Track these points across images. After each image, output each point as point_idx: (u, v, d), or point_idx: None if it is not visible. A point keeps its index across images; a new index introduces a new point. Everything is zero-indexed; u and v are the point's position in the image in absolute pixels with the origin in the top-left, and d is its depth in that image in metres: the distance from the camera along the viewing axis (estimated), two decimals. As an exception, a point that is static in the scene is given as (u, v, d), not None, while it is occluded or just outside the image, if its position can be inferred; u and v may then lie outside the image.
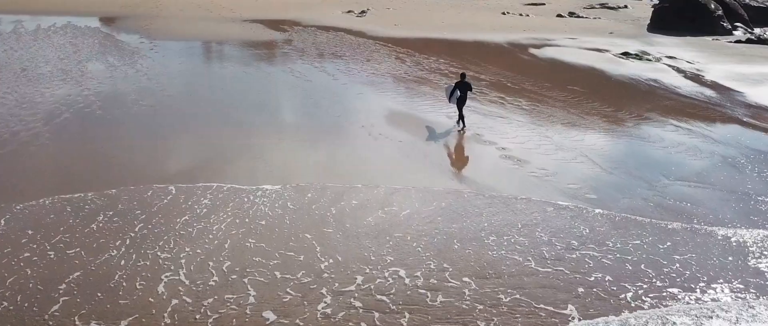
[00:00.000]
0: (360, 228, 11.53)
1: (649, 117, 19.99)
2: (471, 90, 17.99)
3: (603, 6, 50.21)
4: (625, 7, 50.13)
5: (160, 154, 15.27)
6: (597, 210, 12.66)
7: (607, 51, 31.77)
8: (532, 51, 31.47)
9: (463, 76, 18.33)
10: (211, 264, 10.08)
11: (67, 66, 24.33)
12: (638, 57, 30.18)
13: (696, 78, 26.10)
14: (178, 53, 27.64)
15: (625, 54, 30.66)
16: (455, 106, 18.03)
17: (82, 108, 18.93)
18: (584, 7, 49.67)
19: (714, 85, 24.75)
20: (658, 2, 47.69)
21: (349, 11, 43.22)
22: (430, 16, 43.18)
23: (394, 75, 24.73)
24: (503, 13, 45.57)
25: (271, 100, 20.65)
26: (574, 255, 10.77)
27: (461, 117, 17.99)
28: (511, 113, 19.68)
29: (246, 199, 12.62)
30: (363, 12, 42.60)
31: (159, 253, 10.34)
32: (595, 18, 44.64)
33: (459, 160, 15.78)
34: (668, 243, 11.38)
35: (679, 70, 27.48)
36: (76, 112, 18.58)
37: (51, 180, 13.43)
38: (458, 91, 17.83)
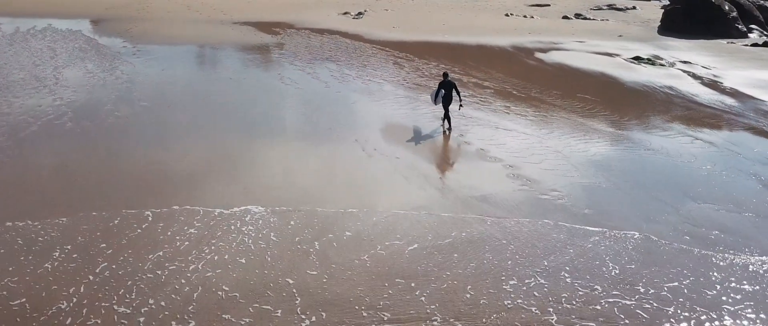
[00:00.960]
0: (351, 271, 10.25)
1: (666, 128, 18.84)
2: (456, 88, 17.75)
3: (610, 7, 49.09)
4: (634, 8, 49.01)
5: (132, 173, 14.12)
6: (621, 238, 11.51)
7: (617, 55, 30.63)
8: (538, 55, 30.34)
9: (445, 75, 18.11)
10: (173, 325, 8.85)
11: (42, 73, 23.17)
12: (651, 62, 29.05)
13: (714, 85, 24.96)
14: (161, 59, 26.46)
15: (637, 58, 29.53)
16: (442, 106, 17.84)
17: (52, 120, 17.78)
18: (591, 9, 48.53)
19: (734, 93, 23.60)
20: (668, 3, 46.62)
21: (345, 13, 42.10)
22: (430, 17, 42.05)
23: (391, 81, 23.59)
24: (506, 15, 44.45)
25: (257, 110, 19.47)
26: (602, 306, 9.57)
27: (447, 117, 17.83)
28: (517, 125, 18.52)
29: (227, 228, 11.46)
30: (360, 13, 41.50)
31: (117, 307, 9.07)
32: (602, 20, 43.53)
33: (463, 180, 14.45)
34: (706, 278, 10.23)
35: (695, 76, 26.34)
36: (45, 124, 17.42)
37: (1, 206, 12.25)
38: (443, 91, 17.60)
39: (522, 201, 13.27)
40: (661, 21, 40.76)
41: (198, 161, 14.93)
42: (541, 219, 12.29)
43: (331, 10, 43.09)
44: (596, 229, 11.97)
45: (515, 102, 21.18)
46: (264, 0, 45.97)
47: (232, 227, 11.51)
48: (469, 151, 16.17)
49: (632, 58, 29.66)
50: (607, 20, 43.46)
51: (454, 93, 17.71)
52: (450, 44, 32.79)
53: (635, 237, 11.70)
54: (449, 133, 17.72)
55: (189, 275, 9.83)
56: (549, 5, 49.74)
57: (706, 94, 23.28)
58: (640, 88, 24.21)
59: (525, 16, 44.06)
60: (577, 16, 44.57)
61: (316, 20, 38.67)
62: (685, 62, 29.17)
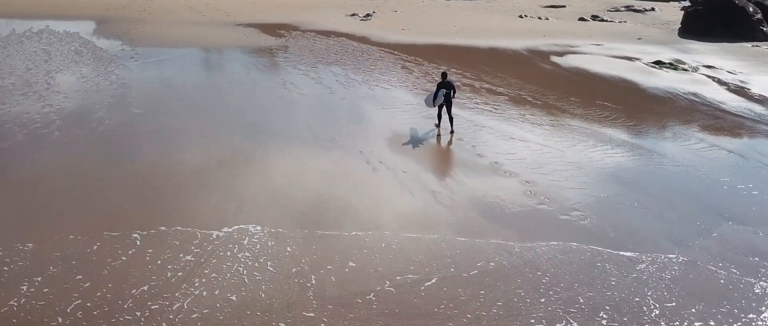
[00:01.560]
0: (354, 313, 9.07)
1: (693, 139, 17.81)
2: (454, 90, 17.44)
3: (628, 9, 48.00)
4: (652, 9, 47.89)
5: (118, 188, 13.26)
6: (658, 266, 10.54)
7: (637, 59, 29.59)
8: (554, 59, 29.33)
9: (444, 75, 17.66)
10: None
11: (34, 77, 22.41)
12: (673, 66, 27.98)
13: (741, 91, 23.88)
14: (159, 62, 25.68)
15: (658, 63, 28.47)
16: (437, 109, 17.51)
17: (39, 128, 16.97)
18: (608, 10, 47.48)
19: (763, 100, 22.52)
20: (689, 5, 45.49)
21: (352, 14, 41.24)
22: (441, 19, 41.13)
23: (399, 87, 22.67)
24: (520, 17, 43.47)
25: (257, 118, 18.58)
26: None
27: (450, 118, 17.44)
28: (533, 135, 17.54)
29: (221, 254, 10.54)
30: (368, 15, 40.62)
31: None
32: (620, 22, 42.44)
33: (477, 197, 13.41)
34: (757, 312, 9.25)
35: (720, 82, 25.26)
36: (31, 133, 16.61)
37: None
38: (443, 92, 17.16)
39: (543, 221, 12.30)
40: (681, 23, 39.67)
41: (191, 174, 14.06)
42: (568, 244, 11.31)
43: (338, 12, 42.27)
44: (629, 255, 11.00)
45: (531, 110, 20.19)
46: (269, 1, 45.27)
47: (227, 253, 10.59)
48: (482, 165, 15.21)
49: (653, 63, 28.61)
50: (625, 22, 42.38)
51: (451, 94, 17.34)
52: (461, 47, 31.84)
53: (673, 265, 10.71)
54: (452, 135, 17.30)
55: (173, 316, 8.89)
56: (564, 6, 48.76)
57: (733, 102, 22.20)
58: (662, 94, 23.16)
59: (539, 18, 43.07)
60: (594, 17, 43.52)
61: (322, 22, 37.85)
62: (708, 67, 28.09)
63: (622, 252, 11.12)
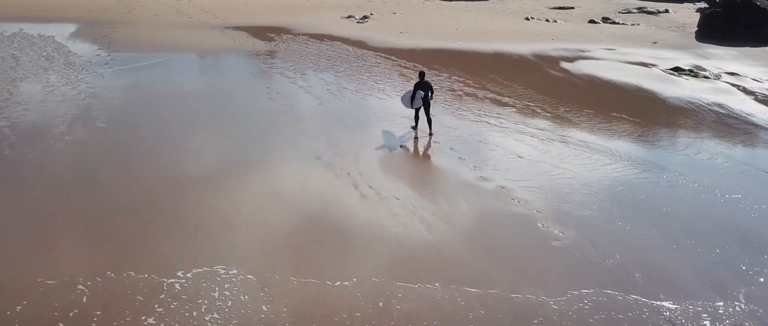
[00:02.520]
0: None
1: (721, 157, 16.21)
2: (432, 91, 17.00)
3: (641, 10, 46.39)
4: (666, 11, 46.29)
5: (66, 223, 11.70)
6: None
7: (653, 65, 28.00)
8: (564, 65, 27.75)
9: (421, 75, 17.20)
10: None
11: (-5, 86, 20.93)
12: (693, 73, 26.38)
13: (769, 101, 22.33)
14: (135, 69, 24.12)
15: (677, 69, 26.87)
16: (414, 110, 17.11)
17: (-12, 145, 15.47)
18: (619, 12, 45.89)
19: (796, 112, 20.99)
20: (706, 6, 43.93)
21: (349, 16, 39.71)
22: (442, 21, 39.59)
23: (395, 96, 21.04)
24: (526, 19, 41.90)
25: (235, 133, 17.01)
26: None
27: (428, 120, 17.08)
28: (544, 153, 15.95)
29: (178, 307, 8.99)
30: (365, 17, 39.09)
31: None
32: (633, 24, 40.84)
33: (480, 234, 11.84)
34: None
35: (746, 91, 23.65)
36: (-23, 151, 15.11)
37: None
38: (421, 93, 16.76)
39: (560, 263, 10.69)
40: (698, 26, 38.11)
41: (149, 205, 12.48)
42: (593, 292, 9.73)
43: (334, 14, 40.76)
44: (667, 306, 9.42)
45: (540, 123, 18.60)
46: (262, 2, 43.80)
47: (184, 309, 9.04)
48: (488, 190, 13.61)
49: (671, 69, 27.02)
50: (638, 25, 40.78)
51: (429, 94, 16.90)
52: (463, 52, 30.27)
53: (722, 319, 9.14)
54: (430, 138, 16.89)
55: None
56: (573, 8, 47.22)
57: (763, 114, 20.59)
58: (684, 105, 21.56)
59: (547, 21, 41.50)
60: (605, 20, 41.94)
61: (316, 25, 36.31)
62: (731, 74, 26.49)
63: (656, 302, 9.53)
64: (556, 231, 11.72)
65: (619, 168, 15.05)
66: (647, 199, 13.33)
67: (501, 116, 19.11)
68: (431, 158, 15.56)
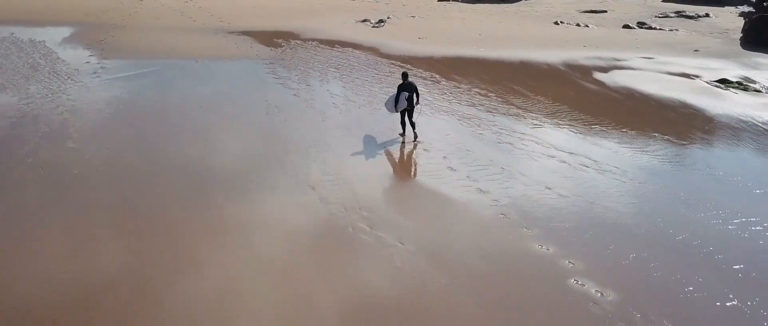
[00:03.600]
0: None
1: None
2: (417, 94, 16.58)
3: (679, 14, 44.08)
4: (707, 15, 43.94)
5: (22, 266, 10.04)
6: None
7: (696, 76, 25.88)
8: (598, 76, 25.72)
9: (405, 76, 16.84)
10: None
11: (-33, 97, 19.49)
12: (742, 86, 24.21)
13: (834, 120, 20.13)
14: (124, 79, 22.57)
15: (723, 82, 24.72)
16: (399, 115, 16.82)
17: (-62, 170, 13.91)
18: (656, 16, 43.65)
19: None
20: (753, 10, 41.54)
21: (363, 20, 37.99)
22: (463, 26, 37.71)
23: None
24: (556, 23, 39.86)
25: (223, 158, 15.26)
26: None
27: (412, 125, 16.68)
28: (579, 187, 13.99)
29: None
30: (380, 21, 37.33)
31: None
32: (671, 30, 38.61)
33: (503, 295, 10.07)
34: None
35: (806, 108, 21.51)
36: (-75, 177, 13.55)
37: None
38: (405, 94, 16.34)
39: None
40: (743, 31, 35.82)
41: (107, 254, 10.78)
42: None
43: (348, 17, 39.09)
44: None
45: (573, 146, 16.64)
46: (272, 5, 42.28)
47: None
48: (510, 233, 11.71)
49: (717, 81, 24.88)
50: (677, 30, 38.54)
51: (414, 97, 16.48)
52: (486, 60, 28.37)
53: None
54: (415, 143, 16.49)
55: None
56: (606, 12, 45.07)
57: (829, 135, 18.49)
58: (735, 124, 19.46)
59: (578, 25, 39.43)
60: (641, 25, 39.76)
61: (328, 29, 34.64)
62: (787, 87, 24.33)
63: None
64: (594, 291, 9.79)
65: (674, 208, 13.06)
66: (699, 244, 11.34)
67: (526, 137, 17.18)
68: (444, 189, 13.67)
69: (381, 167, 14.90)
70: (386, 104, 17.23)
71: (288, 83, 22.60)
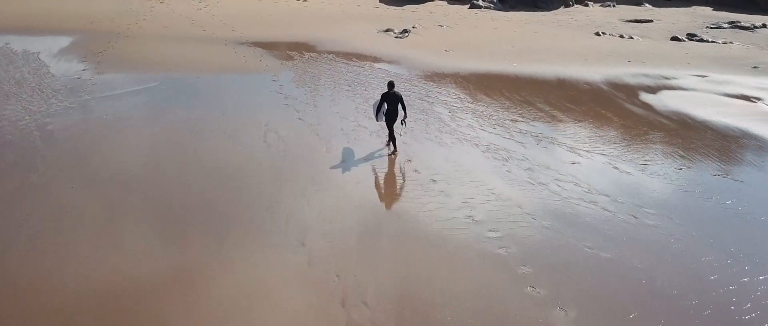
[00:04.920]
0: None
1: None
2: (402, 102, 16.25)
3: (733, 25, 41.33)
4: (764, 26, 41.09)
5: None
6: None
7: (758, 99, 23.42)
8: (645, 97, 23.41)
9: (390, 85, 16.37)
10: None
11: (-65, 119, 17.99)
12: (813, 112, 21.76)
13: None
14: (114, 98, 20.90)
15: (791, 106, 22.31)
16: (385, 124, 16.63)
17: None
18: (707, 27, 40.99)
19: None
20: (816, 21, 38.72)
21: (386, 30, 36.08)
22: (495, 36, 35.56)
23: (429, 143, 17.28)
24: (597, 34, 37.51)
25: (204, 199, 13.38)
26: None
27: (392, 137, 16.54)
28: (631, 246, 11.86)
29: None
30: (405, 31, 35.36)
31: None
32: (724, 42, 35.99)
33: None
34: None
35: None
36: None
37: None
38: (386, 105, 16.18)
39: None
40: (808, 46, 33.16)
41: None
42: None
43: (370, 26, 37.22)
44: None
45: (618, 190, 14.47)
46: (290, 13, 40.61)
47: None
48: (539, 317, 9.65)
49: (783, 105, 22.49)
50: (732, 43, 35.90)
51: (399, 107, 16.27)
52: (519, 77, 26.21)
53: None
54: (395, 156, 16.27)
55: None
56: (651, 21, 42.55)
57: None
58: (811, 161, 17.11)
59: (621, 37, 37.02)
60: (691, 37, 37.19)
61: (347, 40, 32.79)
62: None
63: None
64: None
65: (732, 275, 10.86)
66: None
67: (563, 177, 15.04)
68: (464, 255, 11.63)
69: (388, 218, 12.91)
70: (373, 107, 16.91)
71: (294, 103, 20.74)
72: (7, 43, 29.14)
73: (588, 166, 15.94)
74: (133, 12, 39.23)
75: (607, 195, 14.15)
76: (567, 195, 14.00)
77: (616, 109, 21.85)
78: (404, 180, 14.77)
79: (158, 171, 14.81)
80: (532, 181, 14.76)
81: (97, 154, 15.85)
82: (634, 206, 13.59)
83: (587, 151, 17.07)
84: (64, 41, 30.41)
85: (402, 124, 16.85)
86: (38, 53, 27.33)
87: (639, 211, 13.34)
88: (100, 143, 16.66)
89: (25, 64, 25.20)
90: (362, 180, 14.62)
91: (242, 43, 31.40)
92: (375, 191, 14.17)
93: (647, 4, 49.78)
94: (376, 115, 16.45)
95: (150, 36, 32.35)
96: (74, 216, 12.42)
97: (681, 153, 17.21)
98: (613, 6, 48.85)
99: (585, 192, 14.25)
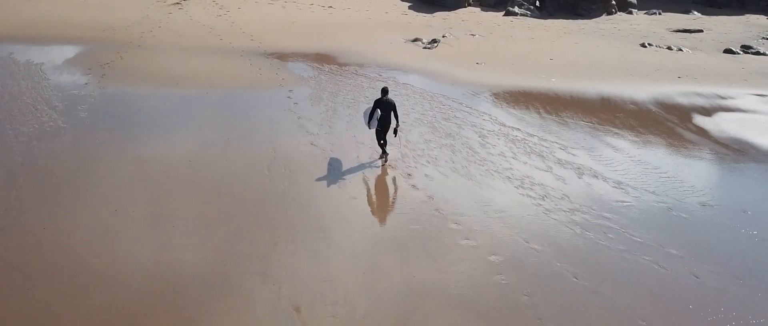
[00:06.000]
0: None
1: None
2: (395, 111, 15.95)
3: (792, 35, 38.84)
4: (826, 37, 38.59)
5: None
6: None
7: (830, 123, 21.30)
8: (700, 121, 21.41)
9: (384, 91, 16.22)
10: None
11: None
12: None
13: None
14: (111, 117, 19.53)
15: None
16: (375, 134, 16.42)
17: None
18: (763, 37, 38.55)
19: None
20: None
21: (414, 40, 34.37)
22: (532, 47, 33.64)
23: (451, 174, 15.56)
24: (642, 46, 35.36)
25: (189, 249, 11.88)
26: None
27: (384, 143, 16.33)
28: (699, 309, 10.02)
29: None
30: (434, 41, 33.61)
31: None
32: (785, 56, 33.64)
33: None
34: None
35: None
36: None
37: None
38: (378, 112, 15.94)
39: None
40: None
41: None
42: None
43: (397, 35, 35.54)
44: None
45: (670, 237, 12.62)
46: (312, 22, 39.09)
47: None
48: None
49: None
50: (793, 57, 33.53)
51: (392, 115, 15.97)
52: (559, 96, 24.32)
53: None
54: (385, 163, 16.20)
55: None
56: (701, 31, 40.21)
57: None
58: None
59: (669, 49, 34.83)
60: (746, 49, 34.85)
61: (371, 51, 31.17)
62: None
63: None
64: None
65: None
66: None
67: (612, 226, 13.19)
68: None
69: (403, 277, 11.22)
70: (364, 114, 16.89)
71: (307, 125, 19.17)
72: (11, 53, 28.06)
73: (638, 208, 14.07)
74: (149, 19, 38.07)
75: (662, 246, 12.30)
76: (619, 248, 12.20)
77: (668, 134, 19.87)
78: (423, 225, 13.05)
79: (136, 219, 13.26)
80: (574, 228, 12.96)
81: (73, 185, 14.40)
82: (694, 260, 11.72)
83: (635, 188, 15.20)
84: (72, 51, 29.24)
85: (394, 134, 16.36)
86: (42, 64, 26.15)
87: (700, 268, 11.48)
88: (81, 173, 15.18)
89: (24, 77, 23.99)
90: (374, 226, 12.96)
91: (259, 54, 29.94)
92: (387, 242, 12.49)
93: (696, 12, 47.34)
94: (368, 122, 16.18)
95: (162, 46, 31.07)
96: (19, 275, 10.96)
97: (747, 190, 15.25)
98: (659, 14, 46.51)
99: (638, 243, 12.39)
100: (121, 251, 11.66)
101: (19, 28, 34.14)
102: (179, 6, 41.66)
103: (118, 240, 12.08)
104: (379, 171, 15.90)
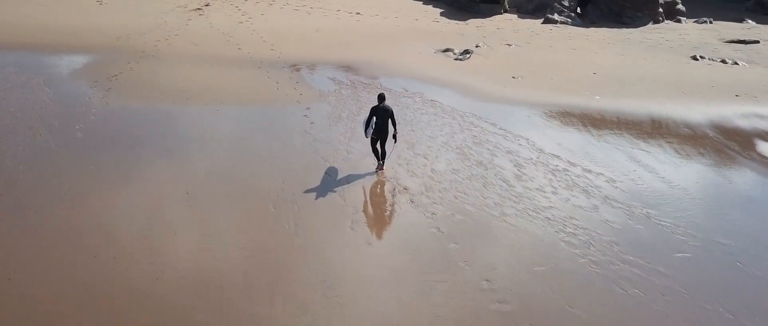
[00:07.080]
0: None
1: None
2: (393, 118, 15.86)
3: None
4: None
5: None
6: None
7: None
8: (765, 149, 19.37)
9: (381, 97, 16.09)
10: None
11: None
12: None
13: None
14: (108, 139, 18.18)
15: None
16: (370, 142, 16.24)
17: None
18: (827, 49, 36.09)
19: None
20: None
21: (445, 50, 32.63)
22: (574, 60, 31.69)
23: (484, 209, 13.86)
24: (694, 58, 33.17)
25: (176, 311, 10.40)
26: None
27: (382, 152, 16.19)
28: None
29: None
30: (466, 52, 31.85)
31: None
32: None
33: None
34: None
35: None
36: None
37: None
38: (374, 119, 15.72)
39: None
40: None
41: None
42: None
43: (427, 45, 33.85)
44: None
45: (744, 303, 10.78)
46: (338, 30, 37.58)
47: None
48: None
49: None
50: None
51: (389, 123, 15.90)
52: (604, 116, 22.42)
53: None
54: (381, 171, 16.14)
55: None
56: (758, 42, 37.82)
57: None
58: None
59: (723, 62, 32.59)
60: (810, 62, 32.49)
61: (398, 62, 29.53)
62: None
63: None
64: None
65: None
66: None
67: (671, 284, 11.37)
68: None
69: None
70: (362, 123, 16.66)
71: (322, 149, 17.63)
72: (17, 62, 27.04)
73: (701, 262, 12.22)
74: (167, 26, 36.93)
75: (733, 314, 10.47)
76: (678, 314, 10.36)
77: (729, 166, 17.91)
78: (446, 284, 11.37)
79: (118, 269, 11.84)
80: (625, 286, 11.16)
81: (48, 228, 13.02)
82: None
83: (696, 236, 13.33)
84: (81, 61, 28.09)
85: (394, 140, 16.24)
86: (47, 75, 25.02)
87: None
88: (68, 214, 13.78)
89: (26, 90, 22.85)
90: (390, 284, 11.31)
91: (279, 65, 28.49)
92: (407, 306, 10.84)
93: (750, 21, 44.83)
94: (365, 130, 15.98)
95: (174, 55, 29.78)
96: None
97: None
98: (710, 22, 44.09)
99: (700, 308, 10.56)
100: (122, 279, 10.20)
101: (31, 34, 33.25)
102: (200, 12, 40.48)
103: (87, 290, 10.63)
104: (398, 207, 14.26)
